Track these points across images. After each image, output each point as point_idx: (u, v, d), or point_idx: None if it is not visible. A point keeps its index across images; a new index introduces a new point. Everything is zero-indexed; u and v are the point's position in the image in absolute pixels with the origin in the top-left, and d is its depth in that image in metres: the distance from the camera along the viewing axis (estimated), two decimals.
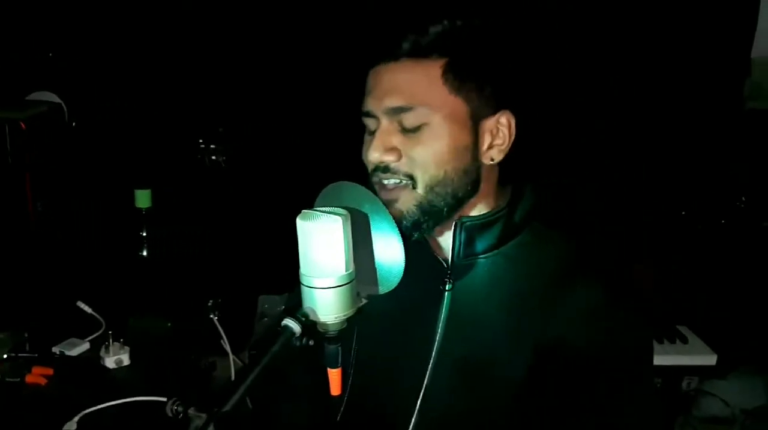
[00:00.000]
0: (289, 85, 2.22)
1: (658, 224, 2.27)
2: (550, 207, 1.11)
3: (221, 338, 1.82)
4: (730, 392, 2.01)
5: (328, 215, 0.89)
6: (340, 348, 0.95)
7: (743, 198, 2.24)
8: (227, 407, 0.84)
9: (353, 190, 0.97)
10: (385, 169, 1.01)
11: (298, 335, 0.90)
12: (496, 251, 1.06)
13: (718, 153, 2.25)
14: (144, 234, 1.92)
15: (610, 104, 2.21)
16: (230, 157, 2.05)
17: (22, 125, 1.64)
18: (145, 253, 1.93)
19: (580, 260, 1.06)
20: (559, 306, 1.01)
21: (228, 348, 1.81)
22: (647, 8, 2.16)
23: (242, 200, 2.13)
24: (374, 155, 1.00)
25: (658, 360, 1.89)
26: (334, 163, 2.05)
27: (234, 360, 1.79)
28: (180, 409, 0.84)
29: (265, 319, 1.98)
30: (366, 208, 0.97)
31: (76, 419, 1.44)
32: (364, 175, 1.04)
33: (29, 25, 2.12)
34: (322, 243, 0.89)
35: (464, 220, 1.04)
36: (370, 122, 1.03)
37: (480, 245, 1.06)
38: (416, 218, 1.01)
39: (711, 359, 1.92)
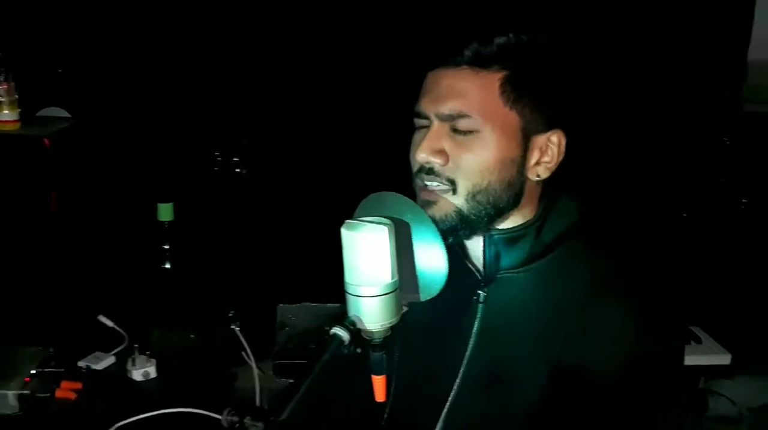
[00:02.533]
0: (310, 97, 2.24)
1: (664, 225, 2.30)
2: (590, 224, 1.08)
3: (243, 348, 1.83)
4: (738, 390, 2.03)
5: (374, 224, 0.91)
6: (384, 355, 0.96)
7: (744, 200, 2.28)
8: (283, 416, 0.86)
9: (395, 200, 0.98)
10: (430, 170, 1.01)
11: (347, 343, 0.92)
12: (528, 267, 1.05)
13: (719, 155, 2.29)
14: (167, 247, 1.94)
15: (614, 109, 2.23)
16: (251, 171, 2.06)
17: (46, 143, 1.65)
18: (168, 265, 1.95)
19: (613, 282, 1.02)
20: (587, 330, 0.99)
21: (251, 358, 1.82)
22: (648, 13, 2.20)
23: (262, 212, 2.14)
24: (421, 156, 1.01)
25: None
26: (352, 175, 2.10)
27: (256, 369, 1.80)
28: (236, 419, 0.86)
29: (286, 328, 2.00)
30: (408, 218, 0.97)
31: None
32: (388, 188, 1.01)
33: (38, 42, 2.13)
34: (367, 253, 0.90)
35: (493, 233, 1.05)
36: (420, 123, 1.04)
37: (510, 258, 1.05)
38: (454, 224, 1.02)
39: (725, 359, 1.94)
